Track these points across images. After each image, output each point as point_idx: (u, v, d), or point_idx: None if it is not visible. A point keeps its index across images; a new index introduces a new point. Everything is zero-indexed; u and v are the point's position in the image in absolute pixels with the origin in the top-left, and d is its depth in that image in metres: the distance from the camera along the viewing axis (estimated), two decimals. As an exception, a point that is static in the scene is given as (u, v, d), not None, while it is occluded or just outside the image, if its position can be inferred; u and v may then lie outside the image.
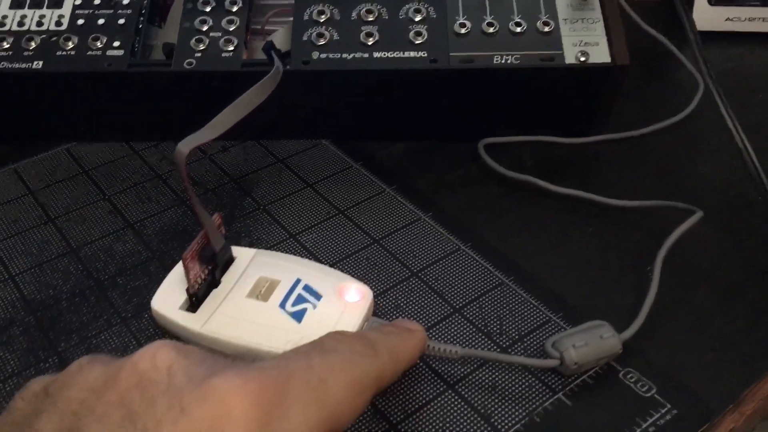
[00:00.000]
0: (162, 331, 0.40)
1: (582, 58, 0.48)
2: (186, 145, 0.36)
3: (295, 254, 0.45)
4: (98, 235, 0.47)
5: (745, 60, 0.63)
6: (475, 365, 0.38)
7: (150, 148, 0.54)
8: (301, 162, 0.52)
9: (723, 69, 0.61)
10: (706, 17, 0.64)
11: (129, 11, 0.50)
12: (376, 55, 0.48)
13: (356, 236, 0.46)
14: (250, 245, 0.45)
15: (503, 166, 0.50)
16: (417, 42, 0.48)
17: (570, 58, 0.48)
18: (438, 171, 0.51)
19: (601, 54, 0.48)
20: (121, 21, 0.50)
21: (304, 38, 0.49)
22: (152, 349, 0.27)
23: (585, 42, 0.48)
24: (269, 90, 0.41)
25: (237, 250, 0.42)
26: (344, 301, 0.39)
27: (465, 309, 0.41)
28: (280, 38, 0.50)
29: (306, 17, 0.50)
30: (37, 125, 0.54)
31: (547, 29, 0.49)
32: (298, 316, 0.38)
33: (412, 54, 0.48)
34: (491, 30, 0.49)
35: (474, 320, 0.41)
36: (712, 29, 0.64)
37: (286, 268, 0.41)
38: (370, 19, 0.49)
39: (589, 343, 0.37)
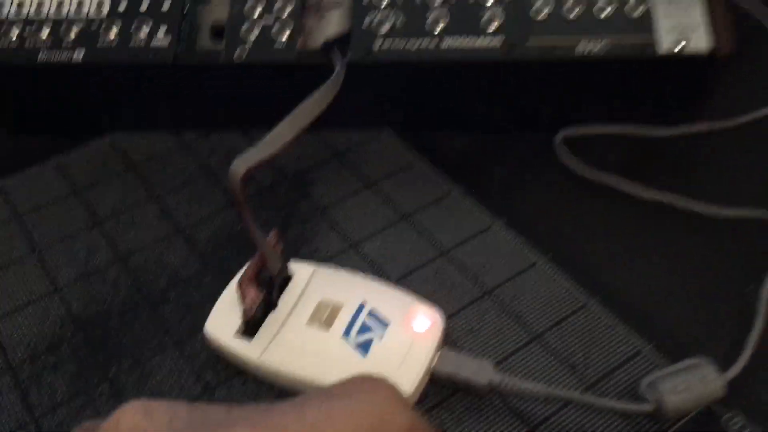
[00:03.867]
0: (217, 356, 0.37)
1: (679, 46, 0.42)
2: (241, 166, 0.32)
3: (356, 267, 0.41)
4: (148, 241, 0.44)
5: None
6: (560, 405, 0.35)
7: (200, 139, 0.50)
8: (362, 156, 0.48)
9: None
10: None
11: (174, -7, 0.46)
12: (445, 43, 0.43)
13: (422, 246, 0.42)
14: (309, 255, 0.42)
15: (585, 164, 0.45)
16: (491, 28, 0.43)
17: (665, 46, 0.42)
18: (511, 169, 0.47)
19: (701, 40, 0.42)
20: (166, 5, 0.46)
21: (365, 24, 0.44)
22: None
23: (683, 26, 0.43)
24: (331, 97, 0.37)
25: (295, 266, 0.39)
26: (413, 331, 0.36)
27: (546, 335, 0.37)
28: (337, 21, 0.45)
29: (365, 2, 0.45)
30: (78, 115, 0.51)
31: (638, 12, 0.43)
32: (364, 348, 0.35)
33: (486, 42, 0.43)
34: (574, 13, 0.43)
35: (556, 349, 0.37)
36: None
37: (349, 289, 0.38)
38: (438, 1, 0.44)
39: (690, 386, 0.33)
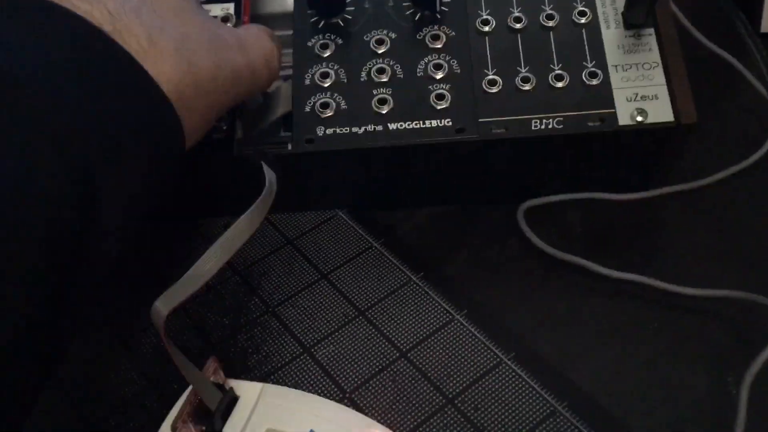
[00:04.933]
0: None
1: (639, 118, 0.39)
2: (164, 307, 0.29)
3: (309, 375, 0.38)
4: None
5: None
6: None
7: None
8: (314, 243, 0.45)
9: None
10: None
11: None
12: (391, 126, 0.41)
13: (380, 347, 0.39)
14: (259, 364, 0.39)
15: (548, 237, 0.43)
16: (439, 107, 0.41)
17: (624, 118, 0.40)
18: (470, 248, 0.44)
19: (661, 110, 0.40)
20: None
21: (307, 109, 0.42)
22: None
23: (641, 95, 0.40)
24: (263, 214, 0.34)
25: (241, 386, 0.36)
26: (368, 461, 0.33)
27: (514, 449, 0.35)
28: (282, 96, 0.42)
29: (307, 80, 0.42)
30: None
31: (594, 81, 0.40)
32: (314, 482, 0.32)
33: (435, 123, 0.41)
34: (527, 86, 0.41)
35: (524, 466, 0.34)
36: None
37: (298, 415, 0.35)
38: (383, 79, 0.42)
39: None
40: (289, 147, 0.41)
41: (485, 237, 0.44)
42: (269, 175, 0.36)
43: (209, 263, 0.31)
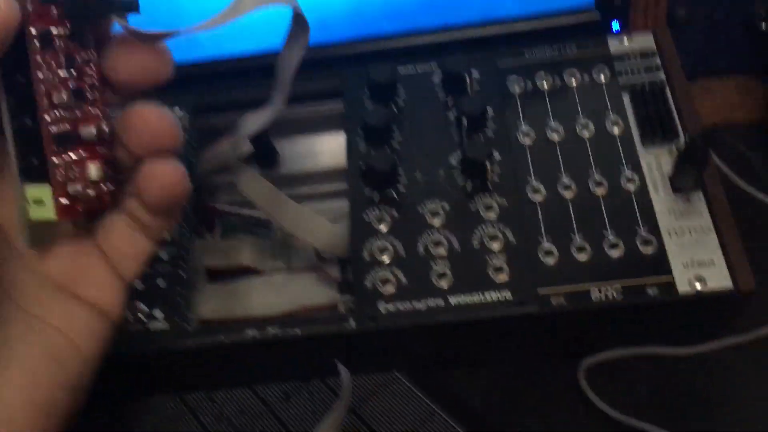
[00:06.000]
0: None
1: (698, 285, 0.40)
2: None
3: None
4: None
5: None
6: None
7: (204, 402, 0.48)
8: (375, 409, 0.45)
9: None
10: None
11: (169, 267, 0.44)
12: (452, 300, 0.42)
13: None
14: None
15: (610, 396, 0.43)
16: (499, 279, 0.42)
17: (683, 285, 0.40)
18: (537, 413, 0.44)
19: (719, 276, 0.40)
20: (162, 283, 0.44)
21: (368, 284, 0.43)
22: None
23: (698, 261, 0.41)
24: (341, 420, 0.34)
25: None
26: None
27: None
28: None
29: (366, 255, 0.43)
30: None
31: (649, 249, 0.41)
32: None
33: (495, 295, 0.41)
34: (583, 256, 0.42)
35: None
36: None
37: None
38: (441, 252, 0.43)
39: None
40: (353, 324, 0.41)
41: (548, 399, 0.44)
42: (343, 372, 0.36)
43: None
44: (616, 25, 0.49)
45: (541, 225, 0.43)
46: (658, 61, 0.47)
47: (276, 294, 0.47)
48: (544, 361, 0.46)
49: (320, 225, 0.44)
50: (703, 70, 0.56)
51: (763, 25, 0.56)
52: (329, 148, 0.51)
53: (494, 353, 0.46)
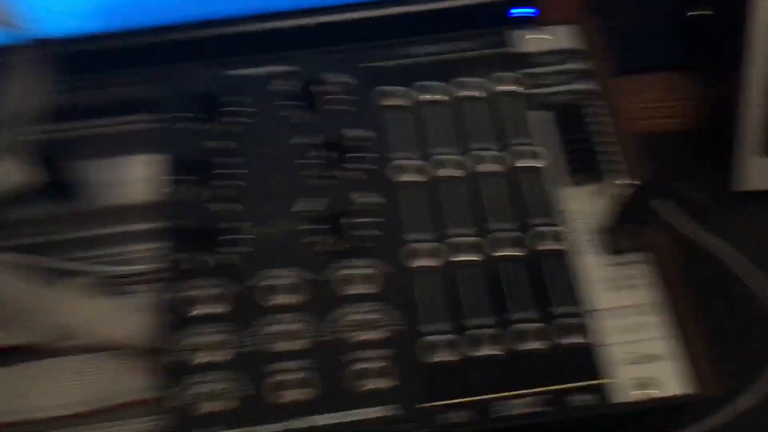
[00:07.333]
0: None
1: (641, 392, 0.29)
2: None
3: None
4: None
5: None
6: None
7: None
8: None
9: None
10: (756, 172, 0.44)
11: None
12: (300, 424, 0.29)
13: None
14: None
15: None
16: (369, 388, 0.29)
17: (621, 392, 0.29)
18: None
19: (670, 378, 0.29)
20: None
21: (185, 398, 0.29)
22: None
23: (642, 355, 0.30)
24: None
25: None
26: None
27: None
28: None
29: (183, 358, 0.30)
30: None
31: (576, 338, 0.30)
32: None
33: (361, 413, 0.29)
34: (484, 350, 0.30)
35: None
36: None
37: None
38: (291, 347, 0.30)
39: None
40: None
41: None
42: None
43: None
44: (524, 11, 0.36)
45: (423, 304, 0.31)
46: (582, 64, 0.35)
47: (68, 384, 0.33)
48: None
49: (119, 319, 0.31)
50: (629, 67, 0.44)
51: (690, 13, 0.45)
52: (144, 174, 0.37)
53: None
